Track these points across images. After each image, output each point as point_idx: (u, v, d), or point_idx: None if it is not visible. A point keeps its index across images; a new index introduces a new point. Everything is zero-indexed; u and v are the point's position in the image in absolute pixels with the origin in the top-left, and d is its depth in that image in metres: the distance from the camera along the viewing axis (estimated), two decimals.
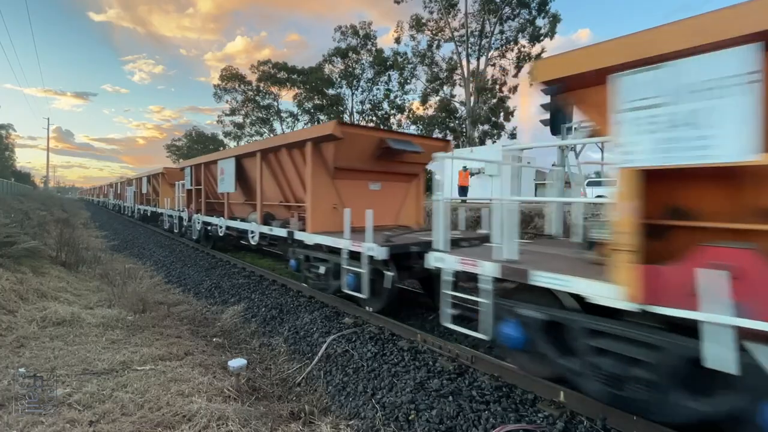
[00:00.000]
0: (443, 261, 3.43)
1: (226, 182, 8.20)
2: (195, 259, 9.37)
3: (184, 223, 11.39)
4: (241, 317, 5.32)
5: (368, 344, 3.96)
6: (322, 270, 5.26)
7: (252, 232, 7.19)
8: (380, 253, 4.18)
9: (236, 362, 3.82)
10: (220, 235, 8.96)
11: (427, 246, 4.05)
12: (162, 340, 4.30)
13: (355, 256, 4.58)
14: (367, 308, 4.72)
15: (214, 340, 4.57)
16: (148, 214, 16.79)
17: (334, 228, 5.48)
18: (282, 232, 6.14)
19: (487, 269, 3.02)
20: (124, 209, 23.22)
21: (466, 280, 3.34)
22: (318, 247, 5.36)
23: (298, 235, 5.68)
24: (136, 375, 3.41)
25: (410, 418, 2.83)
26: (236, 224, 8.18)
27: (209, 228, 9.69)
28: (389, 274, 4.41)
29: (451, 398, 2.92)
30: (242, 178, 7.94)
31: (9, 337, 3.98)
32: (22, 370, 3.33)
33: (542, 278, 2.61)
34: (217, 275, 7.52)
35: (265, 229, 6.70)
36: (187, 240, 11.62)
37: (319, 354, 3.96)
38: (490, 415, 2.69)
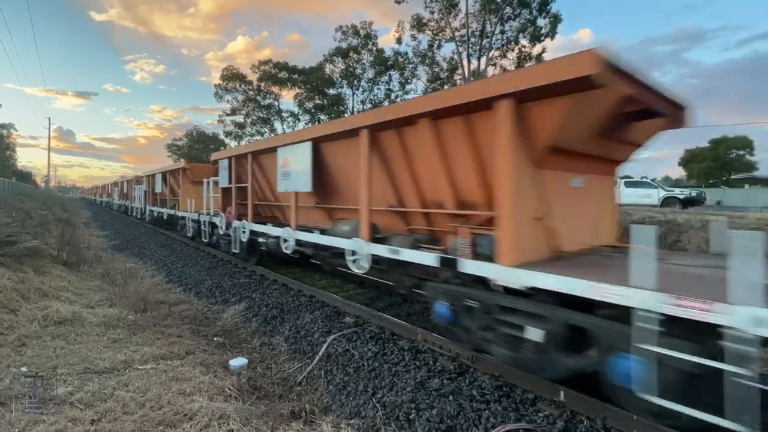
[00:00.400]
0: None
1: (295, 178, 5.75)
2: (196, 258, 9.38)
3: (219, 231, 8.67)
4: (242, 317, 5.33)
5: (369, 343, 3.97)
6: (535, 336, 2.83)
7: (355, 252, 4.63)
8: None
9: (237, 361, 3.83)
10: (286, 252, 6.11)
11: None
12: (163, 340, 4.31)
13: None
14: None
15: (215, 339, 4.58)
16: (164, 217, 13.93)
17: (535, 255, 3.27)
18: (430, 260, 3.72)
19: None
20: (131, 210, 20.88)
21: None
22: (510, 293, 3.11)
23: (478, 269, 3.26)
24: (137, 374, 3.43)
25: (411, 417, 2.83)
26: (324, 240, 5.28)
27: (262, 241, 7.11)
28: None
29: (451, 397, 2.92)
30: (323, 171, 5.57)
31: (11, 336, 3.99)
32: (23, 369, 3.34)
33: None
34: (218, 275, 7.53)
35: (382, 251, 4.25)
36: (221, 252, 9.18)
37: (320, 353, 3.96)
38: (491, 414, 2.69)
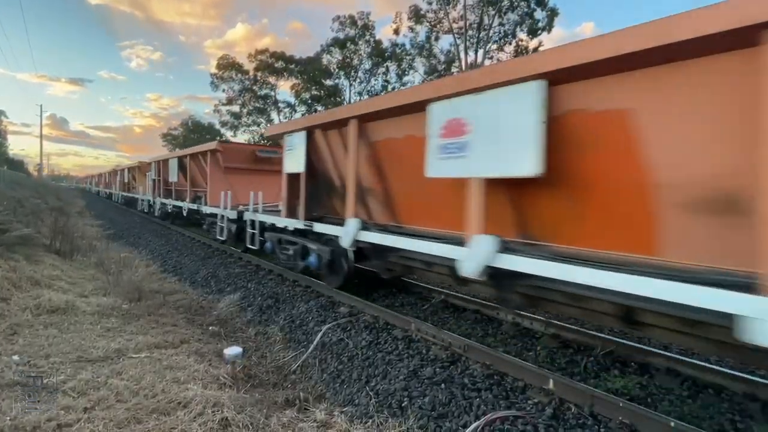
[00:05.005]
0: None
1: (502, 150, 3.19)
2: (191, 248, 9.34)
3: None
4: (237, 306, 5.34)
5: (363, 333, 4.00)
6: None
7: None
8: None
9: (232, 350, 3.86)
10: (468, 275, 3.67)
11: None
12: (158, 329, 4.32)
13: None
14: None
15: (210, 328, 4.59)
16: (183, 213, 11.02)
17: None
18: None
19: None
20: (136, 203, 17.85)
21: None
22: None
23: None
24: (131, 362, 3.43)
25: (403, 404, 2.87)
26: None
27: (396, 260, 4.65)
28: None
29: (443, 386, 2.96)
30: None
31: (2, 324, 3.98)
32: (15, 357, 3.34)
33: None
34: (213, 264, 7.52)
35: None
36: (295, 272, 6.04)
37: (315, 342, 3.99)
38: (482, 402, 2.73)
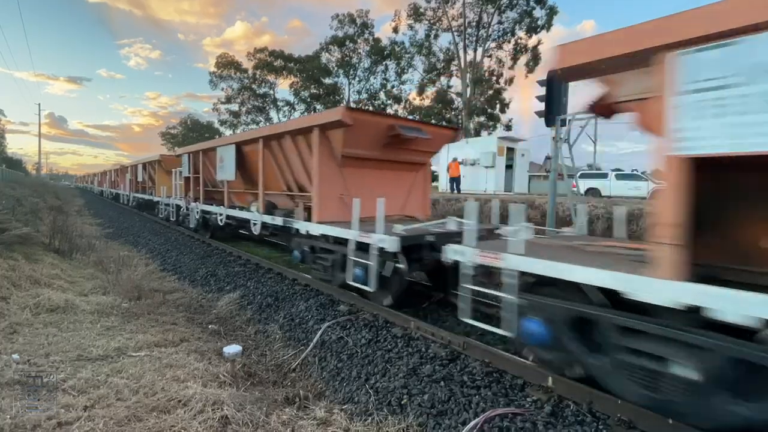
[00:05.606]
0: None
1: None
2: (190, 247, 9.34)
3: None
4: (236, 305, 5.34)
5: (363, 331, 4.00)
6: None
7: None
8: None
9: (231, 348, 3.87)
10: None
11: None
12: (157, 327, 4.32)
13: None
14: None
15: (210, 327, 4.60)
16: (231, 223, 8.30)
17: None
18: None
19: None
20: (152, 207, 14.57)
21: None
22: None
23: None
24: (131, 361, 3.44)
25: (403, 402, 2.88)
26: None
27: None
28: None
29: (442, 383, 2.97)
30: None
31: (1, 323, 3.98)
32: (15, 356, 3.34)
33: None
34: (213, 263, 7.52)
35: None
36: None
37: (314, 340, 4.00)
38: (481, 399, 2.74)
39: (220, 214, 8.16)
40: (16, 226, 7.00)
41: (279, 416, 2.75)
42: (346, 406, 3.02)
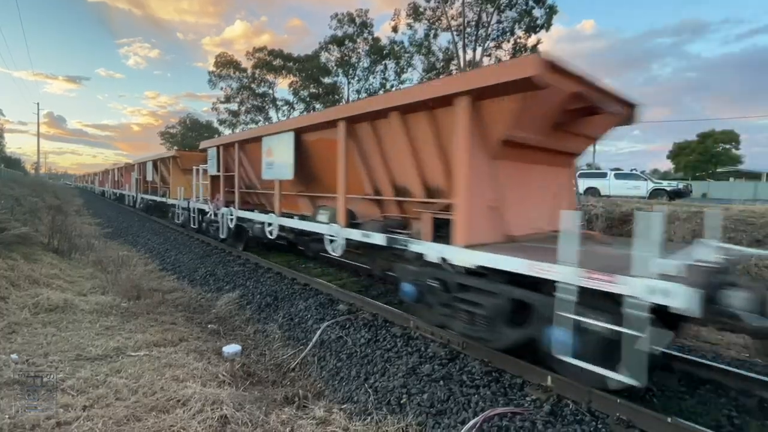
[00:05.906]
0: None
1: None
2: (189, 246, 9.33)
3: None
4: (236, 304, 5.34)
5: (362, 330, 4.00)
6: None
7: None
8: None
9: (231, 348, 3.87)
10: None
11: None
12: (156, 327, 4.32)
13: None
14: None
15: (209, 326, 4.60)
16: (284, 235, 6.37)
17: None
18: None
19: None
20: (164, 209, 13.16)
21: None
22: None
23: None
24: (130, 361, 3.44)
25: (402, 401, 2.88)
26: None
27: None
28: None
29: (442, 382, 2.97)
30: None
31: (0, 323, 3.97)
32: (14, 356, 3.34)
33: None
34: (212, 263, 7.52)
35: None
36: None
37: (314, 340, 4.00)
38: (480, 398, 2.74)
39: (269, 224, 6.13)
40: (15, 225, 6.99)
41: (278, 416, 2.75)
42: (345, 405, 3.02)
